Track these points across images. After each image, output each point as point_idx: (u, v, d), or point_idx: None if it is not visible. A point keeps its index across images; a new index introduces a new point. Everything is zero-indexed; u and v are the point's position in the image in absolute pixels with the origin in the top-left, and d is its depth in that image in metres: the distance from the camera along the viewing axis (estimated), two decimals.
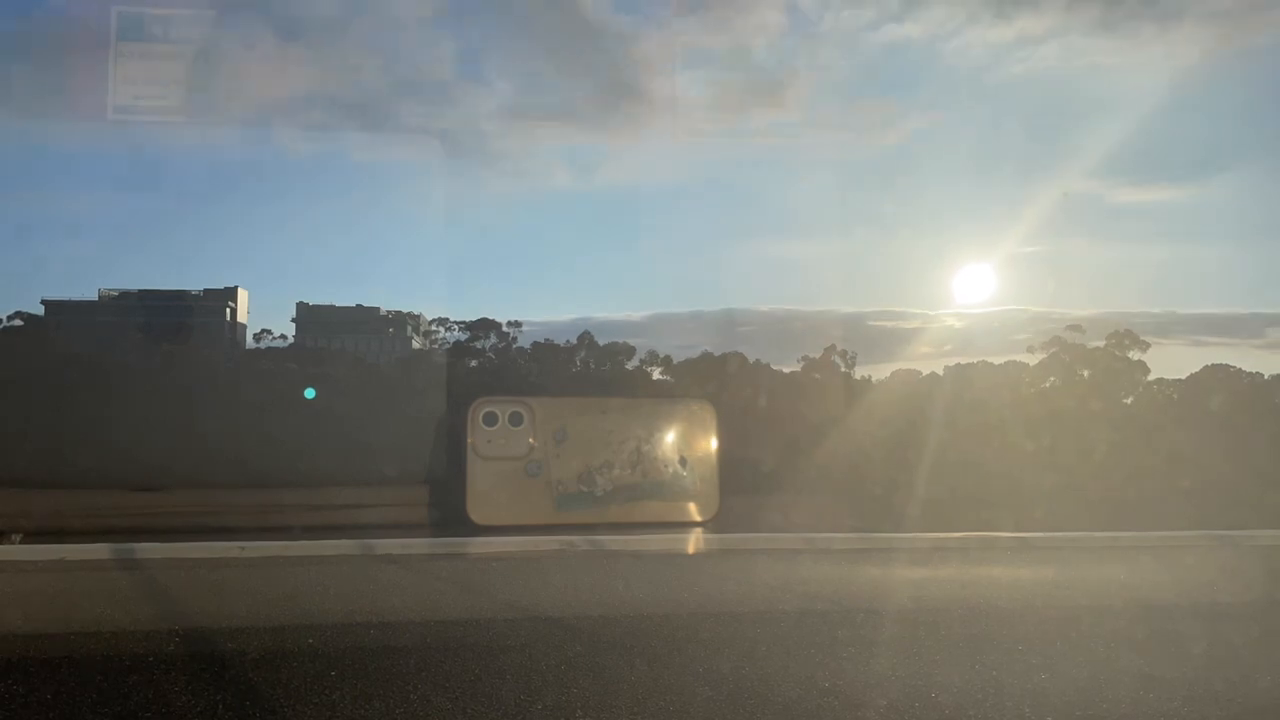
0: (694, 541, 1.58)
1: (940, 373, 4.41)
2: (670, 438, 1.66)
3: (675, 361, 4.73)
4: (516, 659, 0.96)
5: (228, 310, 4.57)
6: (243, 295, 4.58)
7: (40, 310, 4.48)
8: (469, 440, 1.57)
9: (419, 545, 1.44)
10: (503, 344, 4.98)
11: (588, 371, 4.89)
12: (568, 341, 4.95)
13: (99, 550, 1.33)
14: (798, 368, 4.72)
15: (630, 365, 4.91)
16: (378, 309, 4.96)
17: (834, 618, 1.11)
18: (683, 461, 1.65)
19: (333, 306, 5.00)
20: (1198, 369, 4.33)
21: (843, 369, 4.80)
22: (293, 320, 4.87)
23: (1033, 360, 4.67)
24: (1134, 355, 4.68)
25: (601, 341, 4.92)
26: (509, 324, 4.95)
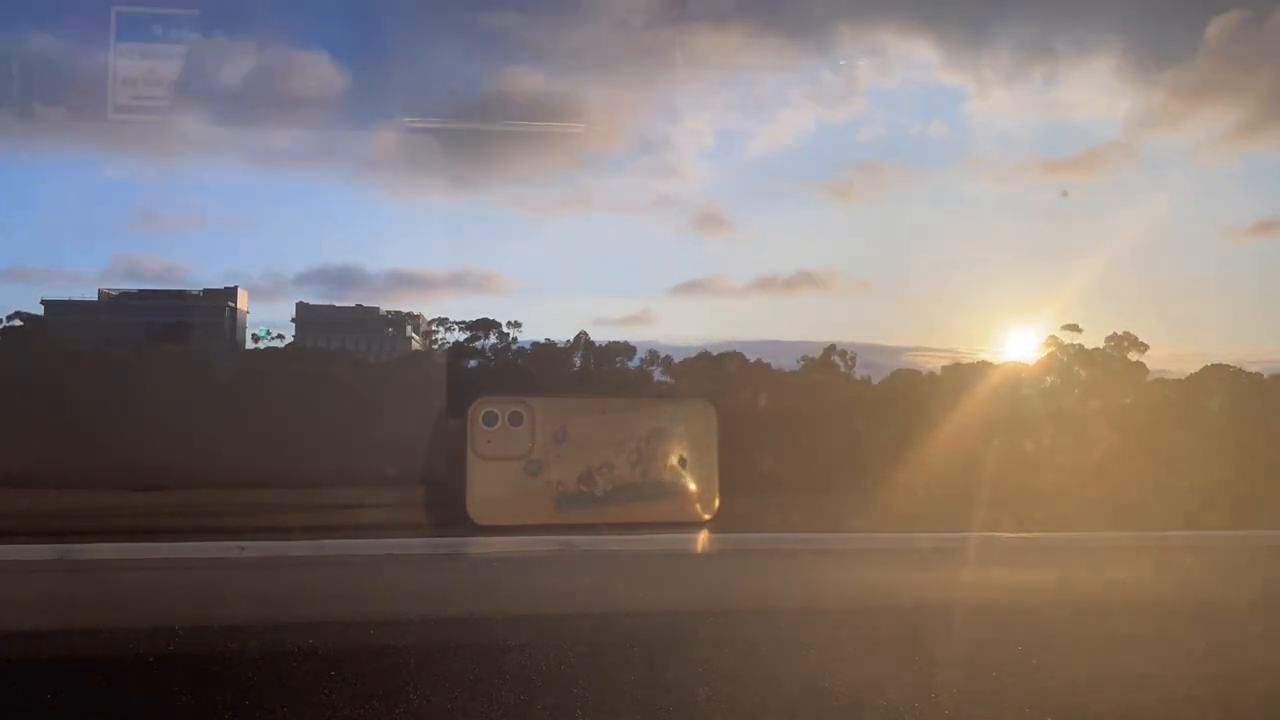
0: (694, 541, 1.58)
1: (939, 373, 4.41)
2: (670, 438, 1.66)
3: (675, 362, 4.73)
4: (516, 659, 0.96)
5: (227, 310, 4.57)
6: (243, 295, 4.57)
7: (40, 310, 4.48)
8: (469, 440, 1.57)
9: (419, 545, 1.44)
10: (503, 344, 4.98)
11: (588, 371, 4.89)
12: (567, 342, 4.95)
13: (99, 550, 1.33)
14: (797, 368, 4.72)
15: (630, 365, 4.91)
16: (378, 309, 4.96)
17: (834, 618, 1.11)
18: (683, 461, 1.65)
19: (333, 306, 4.99)
20: (1197, 369, 4.33)
21: (842, 369, 4.80)
22: (293, 320, 4.86)
23: (1031, 360, 4.67)
24: (1133, 356, 4.68)
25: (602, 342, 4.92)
26: (509, 324, 4.95)
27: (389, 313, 4.91)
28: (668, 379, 4.64)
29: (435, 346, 4.99)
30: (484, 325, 4.93)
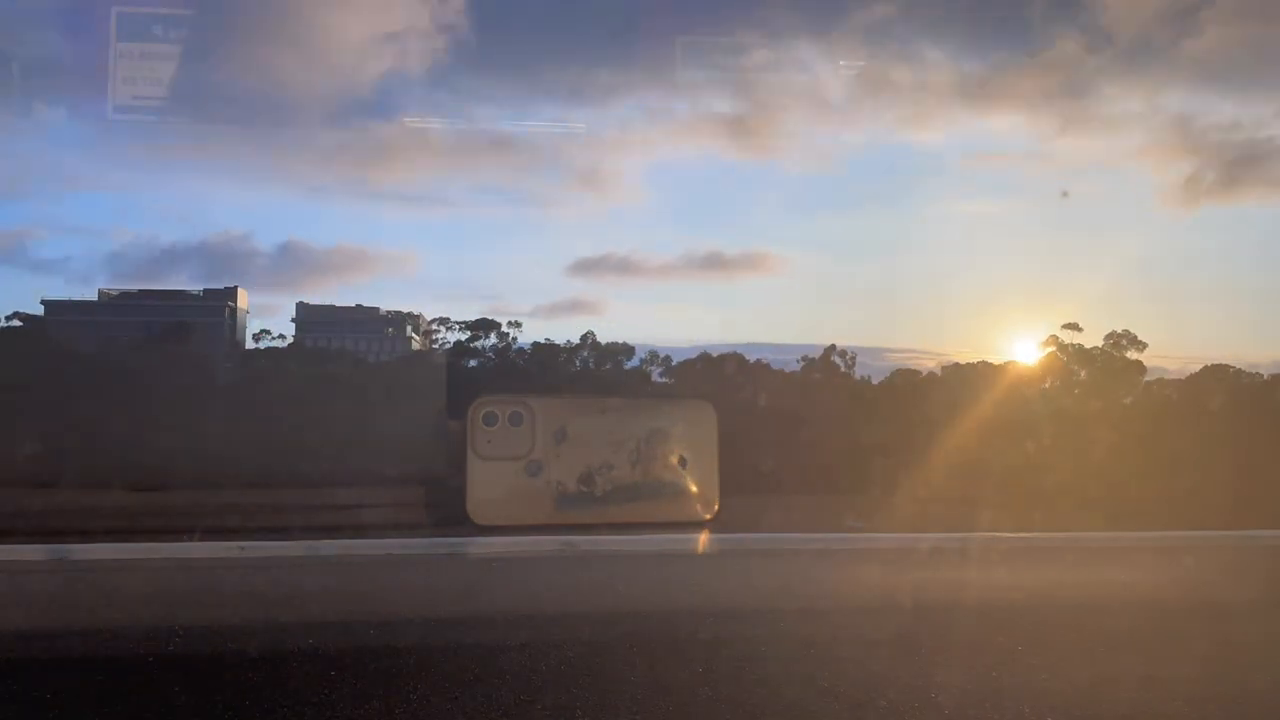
0: (694, 541, 1.58)
1: (939, 373, 4.41)
2: (670, 438, 1.66)
3: (675, 362, 4.73)
4: (516, 659, 0.96)
5: (227, 310, 4.57)
6: (243, 295, 4.58)
7: (40, 310, 4.48)
8: (469, 440, 1.57)
9: (419, 545, 1.44)
10: (503, 344, 4.98)
11: (587, 371, 4.90)
12: (568, 342, 4.96)
13: (99, 550, 1.33)
14: (797, 368, 4.72)
15: (630, 365, 4.91)
16: (378, 309, 4.97)
17: (834, 618, 1.11)
18: (683, 461, 1.65)
19: (333, 306, 5.00)
20: (1197, 369, 4.33)
21: (842, 369, 4.80)
22: (293, 320, 4.87)
23: (1031, 360, 4.67)
24: (1132, 355, 4.68)
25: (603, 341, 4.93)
26: (509, 324, 4.96)
27: (389, 312, 4.92)
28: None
29: (435, 346, 5.00)
30: (484, 325, 4.93)
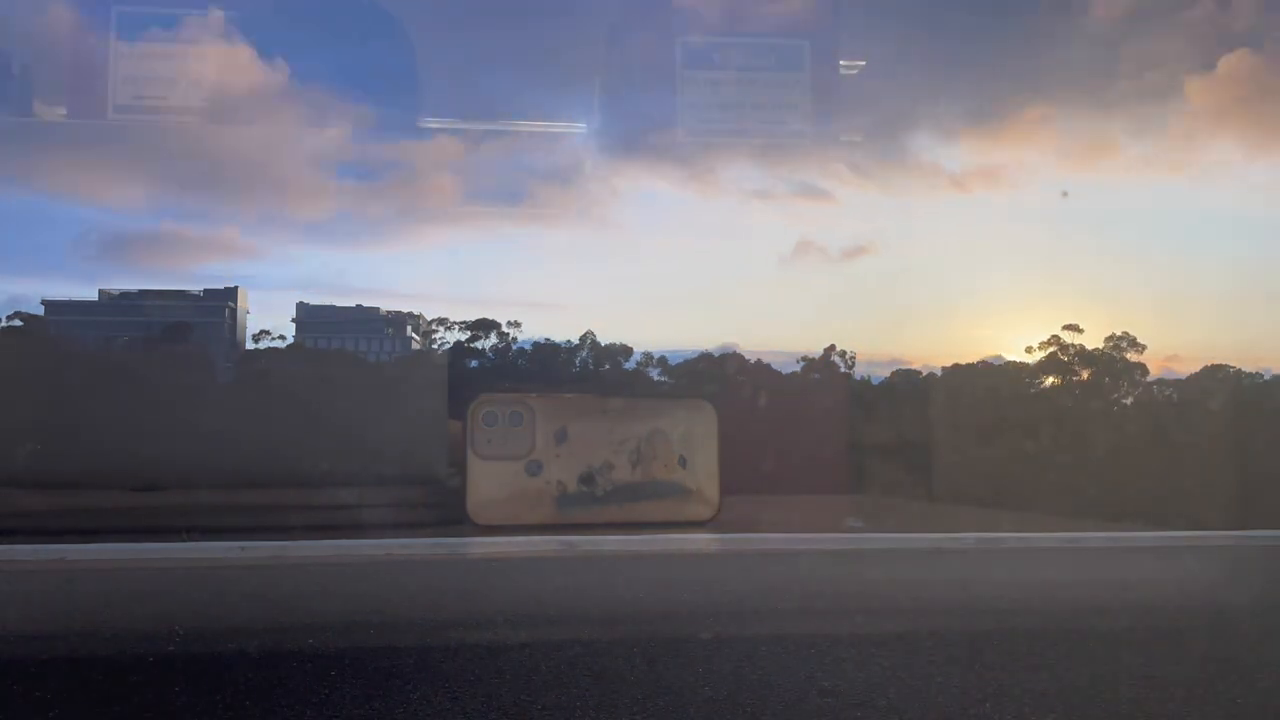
0: (694, 542, 1.58)
1: (939, 373, 4.41)
2: (670, 437, 1.66)
3: (673, 362, 4.73)
4: (516, 659, 0.96)
5: (227, 310, 4.58)
6: (243, 295, 4.58)
7: (40, 310, 4.48)
8: (469, 440, 1.57)
9: (419, 545, 1.44)
10: (503, 344, 4.98)
11: (587, 371, 4.90)
12: (568, 341, 4.95)
13: (100, 551, 1.33)
14: (797, 368, 4.72)
15: (629, 365, 4.91)
16: (378, 309, 4.96)
17: (834, 618, 1.11)
18: (683, 461, 1.65)
19: (333, 306, 5.00)
20: (1197, 369, 4.32)
21: (842, 369, 4.80)
22: (293, 320, 4.87)
23: (1031, 360, 4.67)
24: (1132, 356, 4.68)
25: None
26: (509, 324, 4.96)
27: (389, 313, 4.92)
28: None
29: (435, 346, 5.00)
30: (484, 325, 4.93)
